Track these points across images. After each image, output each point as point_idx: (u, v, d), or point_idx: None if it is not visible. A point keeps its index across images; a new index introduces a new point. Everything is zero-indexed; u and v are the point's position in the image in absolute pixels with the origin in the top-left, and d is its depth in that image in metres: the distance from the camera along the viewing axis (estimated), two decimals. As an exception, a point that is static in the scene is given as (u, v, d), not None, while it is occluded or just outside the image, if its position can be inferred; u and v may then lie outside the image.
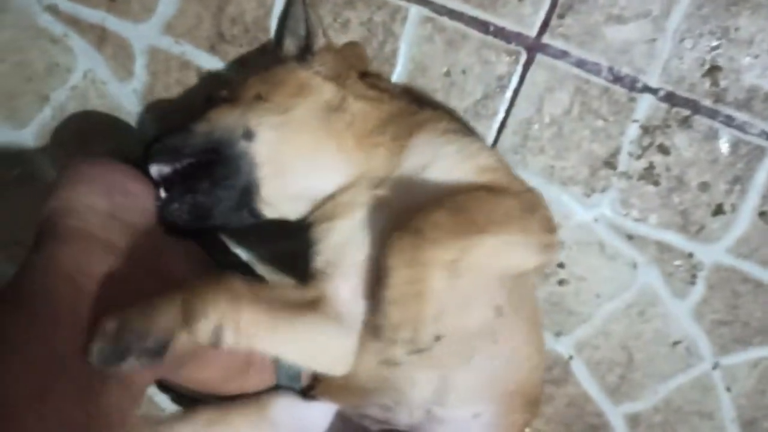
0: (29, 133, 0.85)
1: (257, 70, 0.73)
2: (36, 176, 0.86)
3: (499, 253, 0.63)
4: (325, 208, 0.68)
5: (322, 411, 0.75)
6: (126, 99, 0.83)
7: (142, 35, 0.81)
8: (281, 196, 0.68)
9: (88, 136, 0.84)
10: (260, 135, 0.67)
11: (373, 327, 0.61)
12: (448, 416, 0.69)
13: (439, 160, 0.66)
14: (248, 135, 0.67)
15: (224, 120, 0.68)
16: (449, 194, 0.63)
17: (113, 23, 0.81)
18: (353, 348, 0.67)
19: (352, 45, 0.78)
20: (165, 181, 0.69)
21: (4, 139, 0.85)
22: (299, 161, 0.67)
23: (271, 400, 0.75)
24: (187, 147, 0.68)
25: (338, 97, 0.68)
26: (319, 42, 0.71)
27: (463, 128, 0.72)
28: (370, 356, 0.68)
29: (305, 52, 0.72)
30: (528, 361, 0.72)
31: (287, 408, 0.75)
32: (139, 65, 0.82)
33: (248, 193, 0.67)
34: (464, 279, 0.60)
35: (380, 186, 0.66)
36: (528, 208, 0.65)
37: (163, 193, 0.69)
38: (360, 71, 0.74)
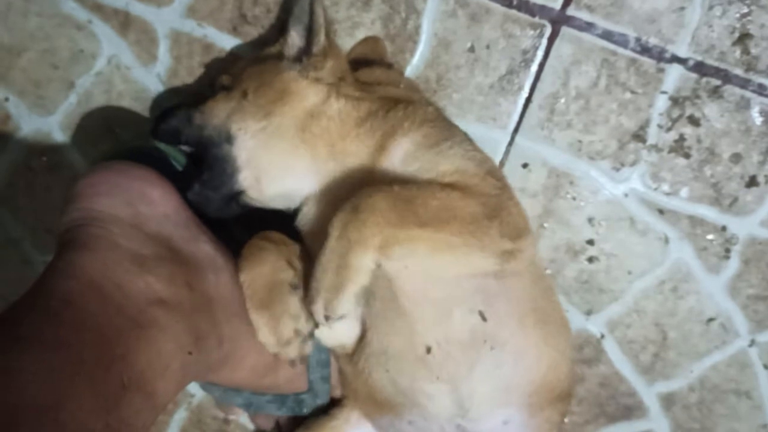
0: (55, 120, 0.85)
1: (260, 58, 0.73)
2: (63, 164, 0.86)
3: (438, 253, 0.63)
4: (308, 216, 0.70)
5: None
6: (150, 83, 0.83)
7: (165, 19, 0.81)
8: (263, 196, 0.70)
9: (113, 122, 0.85)
10: (239, 140, 0.68)
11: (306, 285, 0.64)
12: (479, 428, 0.69)
13: (413, 163, 0.66)
14: (229, 139, 0.68)
15: (214, 118, 0.69)
16: (404, 183, 0.63)
17: (136, 8, 0.81)
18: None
19: (371, 40, 0.78)
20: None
21: (31, 127, 0.86)
22: (274, 168, 0.69)
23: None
24: (185, 135, 0.70)
25: (321, 101, 0.68)
26: (319, 43, 0.69)
27: (444, 126, 0.70)
28: (382, 368, 0.69)
29: (302, 53, 0.70)
30: (542, 358, 0.70)
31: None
32: (163, 49, 0.82)
33: (232, 194, 0.69)
34: (409, 273, 0.63)
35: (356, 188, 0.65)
36: (489, 213, 0.64)
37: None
38: (371, 64, 0.75)
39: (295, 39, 0.71)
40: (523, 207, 0.71)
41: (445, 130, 0.69)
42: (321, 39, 0.68)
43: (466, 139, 0.70)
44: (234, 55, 0.81)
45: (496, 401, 0.68)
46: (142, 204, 0.64)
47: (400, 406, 0.70)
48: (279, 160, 0.68)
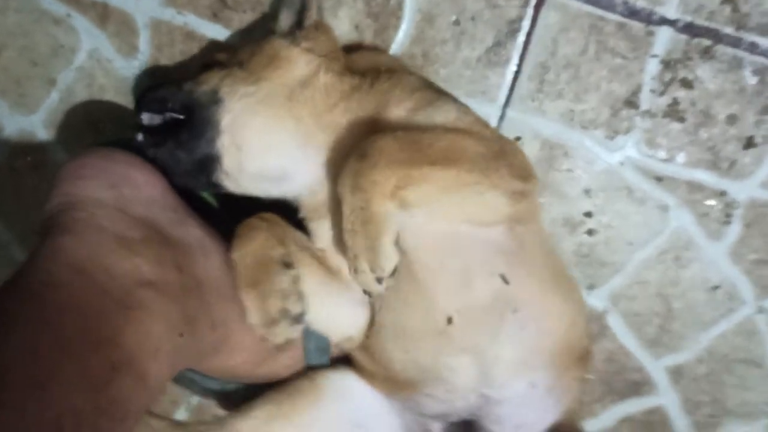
0: (38, 119, 0.84)
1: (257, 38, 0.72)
2: (48, 163, 0.85)
3: (452, 191, 0.62)
4: (313, 205, 0.68)
5: (379, 401, 0.74)
6: (132, 75, 0.82)
7: (144, 8, 0.80)
8: (240, 170, 0.67)
9: (96, 118, 0.83)
10: (227, 102, 0.66)
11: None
12: (504, 395, 0.68)
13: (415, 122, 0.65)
14: (217, 101, 0.66)
15: (205, 84, 0.67)
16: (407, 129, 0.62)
17: (114, -1, 0.80)
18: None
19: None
20: (151, 131, 0.68)
21: (14, 127, 0.84)
22: (257, 138, 0.66)
23: (327, 390, 0.74)
24: (172, 101, 0.67)
25: (311, 72, 0.67)
26: (311, 17, 0.69)
27: (433, 90, 0.69)
28: (400, 350, 0.68)
29: (294, 27, 0.70)
30: (562, 317, 0.69)
31: (344, 398, 0.74)
32: (143, 40, 0.81)
33: (208, 160, 0.66)
34: (429, 221, 0.62)
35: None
36: (495, 154, 0.63)
37: (140, 137, 0.67)
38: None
39: (285, 19, 0.71)
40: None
41: (435, 92, 0.68)
42: (313, 13, 0.69)
43: (455, 103, 0.68)
44: (217, 43, 0.80)
45: (521, 365, 0.67)
46: (126, 187, 0.62)
47: (422, 383, 0.69)
48: (263, 130, 0.66)
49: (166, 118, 0.67)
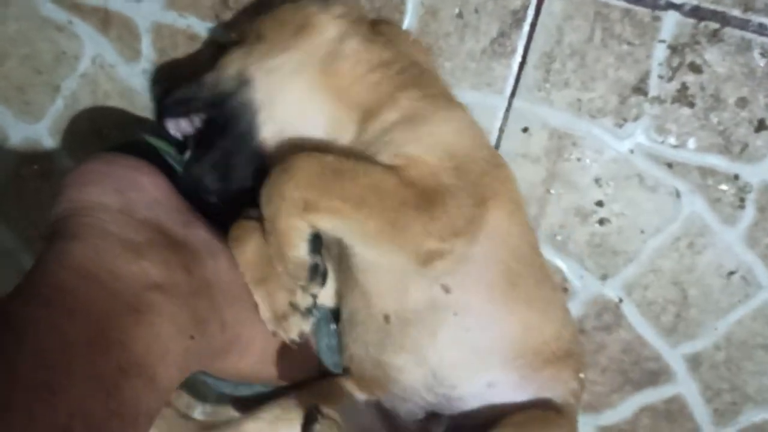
0: (44, 126, 0.84)
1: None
2: (55, 170, 0.85)
3: (351, 232, 0.60)
4: None
5: (373, 413, 0.73)
6: (136, 80, 0.81)
7: (146, 12, 0.79)
8: (282, 143, 0.65)
9: (101, 124, 0.83)
10: (256, 81, 0.64)
11: None
12: (461, 393, 0.67)
13: (388, 134, 0.63)
14: (245, 82, 0.65)
15: (228, 68, 0.65)
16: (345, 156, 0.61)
17: (116, 4, 0.79)
18: None
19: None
20: (186, 140, 0.67)
21: (20, 135, 0.84)
22: (292, 107, 0.65)
23: (330, 397, 0.73)
24: (196, 99, 0.66)
25: (339, 36, 0.65)
26: None
27: (442, 104, 0.67)
28: (351, 338, 0.69)
29: None
30: (514, 322, 0.66)
31: (347, 405, 0.73)
32: (146, 44, 0.80)
33: (257, 149, 0.65)
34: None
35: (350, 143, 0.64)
36: (420, 205, 0.59)
37: (187, 154, 0.67)
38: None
39: None
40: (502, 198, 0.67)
41: (440, 110, 0.66)
42: None
43: (460, 124, 0.67)
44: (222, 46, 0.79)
45: (471, 366, 0.66)
46: (131, 191, 0.62)
47: (382, 381, 0.69)
48: (297, 101, 0.64)
49: (194, 122, 0.66)
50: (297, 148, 0.62)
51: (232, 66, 0.65)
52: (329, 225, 0.60)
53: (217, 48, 0.69)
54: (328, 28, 0.66)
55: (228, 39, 0.69)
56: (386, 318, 0.64)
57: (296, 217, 0.58)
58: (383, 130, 0.63)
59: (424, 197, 0.60)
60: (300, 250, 0.60)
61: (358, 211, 0.58)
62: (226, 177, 0.65)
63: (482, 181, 0.65)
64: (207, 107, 0.66)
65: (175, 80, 0.70)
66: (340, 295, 0.69)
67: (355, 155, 0.62)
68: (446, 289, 0.63)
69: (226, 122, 0.65)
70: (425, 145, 0.63)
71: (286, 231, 0.59)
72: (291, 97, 0.64)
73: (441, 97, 0.68)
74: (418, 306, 0.64)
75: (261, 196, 0.60)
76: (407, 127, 0.63)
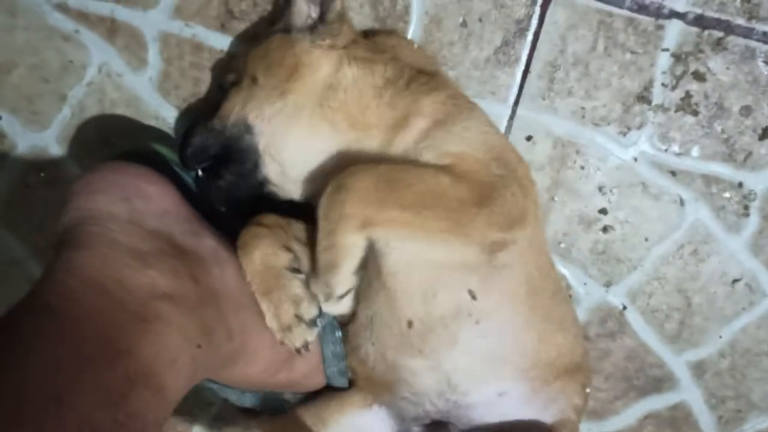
0: (51, 135, 0.84)
1: (259, 41, 0.71)
2: (62, 178, 0.85)
3: (419, 238, 0.62)
4: None
5: (380, 418, 0.73)
6: (143, 89, 0.82)
7: (152, 22, 0.80)
8: (285, 179, 0.68)
9: (108, 132, 0.84)
10: (257, 128, 0.67)
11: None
12: (471, 400, 0.67)
13: (425, 140, 0.64)
14: (248, 129, 0.67)
15: (230, 116, 0.68)
16: (395, 163, 0.63)
17: (122, 13, 0.80)
18: None
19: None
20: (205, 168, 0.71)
21: (27, 143, 0.85)
22: (295, 149, 0.67)
23: (332, 414, 0.74)
24: (210, 147, 0.69)
25: (334, 69, 0.66)
26: (336, 7, 0.67)
27: (464, 105, 0.68)
28: (368, 342, 0.69)
29: (315, 21, 0.68)
30: (529, 332, 0.67)
31: (349, 419, 0.73)
32: (152, 53, 0.81)
33: (260, 181, 0.69)
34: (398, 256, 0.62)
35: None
36: (479, 200, 0.61)
37: (200, 173, 0.70)
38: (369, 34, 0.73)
39: (302, 7, 0.69)
40: (533, 194, 0.69)
41: (465, 109, 0.67)
42: (338, 4, 0.67)
43: (485, 120, 0.68)
44: (228, 54, 0.80)
45: (485, 374, 0.66)
46: (138, 200, 0.62)
47: (393, 384, 0.69)
48: (299, 142, 0.66)
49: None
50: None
51: (233, 113, 0.67)
52: (390, 235, 0.61)
53: (218, 90, 0.71)
54: (321, 63, 0.67)
55: (226, 82, 0.70)
56: (409, 322, 0.64)
57: (355, 233, 0.60)
58: (417, 140, 0.64)
59: (479, 191, 0.62)
60: (351, 265, 0.62)
61: (419, 215, 0.60)
62: (230, 204, 0.70)
63: (519, 171, 0.67)
64: (220, 151, 0.69)
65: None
66: (357, 298, 0.69)
67: (407, 161, 0.63)
68: (472, 295, 0.64)
69: (232, 160, 0.68)
70: (465, 141, 0.64)
71: (344, 247, 0.61)
72: (292, 139, 0.66)
73: (459, 96, 0.70)
74: (443, 311, 0.64)
75: (318, 211, 0.61)
76: (442, 129, 0.64)
